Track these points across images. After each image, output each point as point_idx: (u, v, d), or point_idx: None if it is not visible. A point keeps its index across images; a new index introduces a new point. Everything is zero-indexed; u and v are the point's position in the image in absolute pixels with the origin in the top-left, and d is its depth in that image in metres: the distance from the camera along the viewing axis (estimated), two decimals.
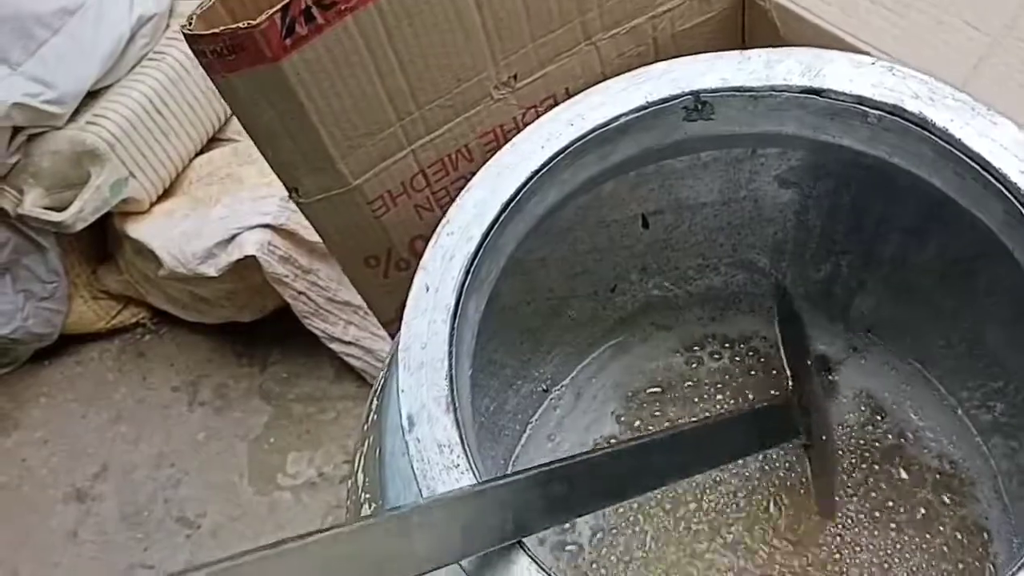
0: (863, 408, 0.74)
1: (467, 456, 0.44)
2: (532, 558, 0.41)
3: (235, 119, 1.33)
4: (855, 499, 0.68)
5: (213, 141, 1.32)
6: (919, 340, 0.75)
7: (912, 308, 0.74)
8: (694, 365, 0.78)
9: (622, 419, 0.77)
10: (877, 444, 0.72)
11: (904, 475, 0.70)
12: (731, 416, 0.70)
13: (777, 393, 0.72)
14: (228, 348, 1.37)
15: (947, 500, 0.67)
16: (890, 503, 0.69)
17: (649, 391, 0.78)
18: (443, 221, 0.51)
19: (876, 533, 0.67)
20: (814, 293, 0.78)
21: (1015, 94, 0.65)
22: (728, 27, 0.83)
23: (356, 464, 0.62)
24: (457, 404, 0.45)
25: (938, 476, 0.70)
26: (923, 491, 0.69)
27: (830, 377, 0.75)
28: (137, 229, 1.23)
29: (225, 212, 1.16)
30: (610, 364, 0.80)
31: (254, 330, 1.35)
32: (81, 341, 1.43)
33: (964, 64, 0.69)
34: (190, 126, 1.26)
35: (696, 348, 0.79)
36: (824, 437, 0.70)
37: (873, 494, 0.69)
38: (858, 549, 0.65)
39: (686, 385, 0.78)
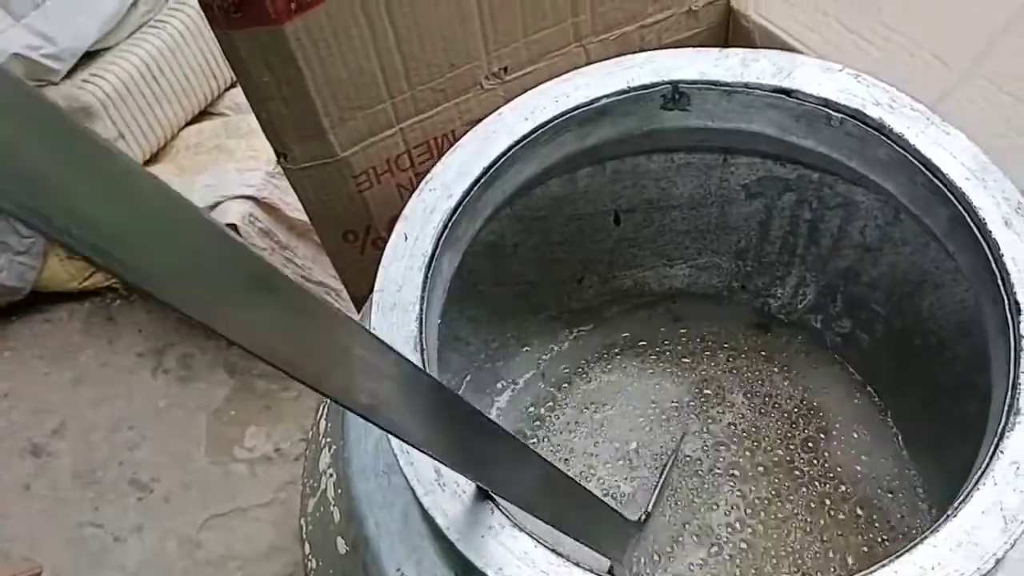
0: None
1: None
2: (500, 510, 0.43)
3: (228, 94, 1.36)
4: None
5: (204, 114, 1.34)
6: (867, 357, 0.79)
7: (862, 325, 0.78)
8: (651, 356, 0.81)
9: (568, 404, 0.79)
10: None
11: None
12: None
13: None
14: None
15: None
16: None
17: (602, 380, 0.80)
18: (427, 177, 0.53)
19: None
20: (766, 301, 0.81)
21: (976, 126, 0.69)
22: (712, 44, 0.86)
23: (319, 414, 0.65)
24: (424, 346, 0.48)
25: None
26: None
27: None
28: None
29: (210, 180, 1.18)
30: (569, 352, 0.82)
31: None
32: (52, 300, 1.43)
33: (930, 95, 0.73)
34: (183, 95, 1.29)
35: (653, 341, 0.82)
36: None
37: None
38: None
39: (637, 379, 0.80)
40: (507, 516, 0.43)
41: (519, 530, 0.43)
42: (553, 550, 0.42)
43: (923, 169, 0.50)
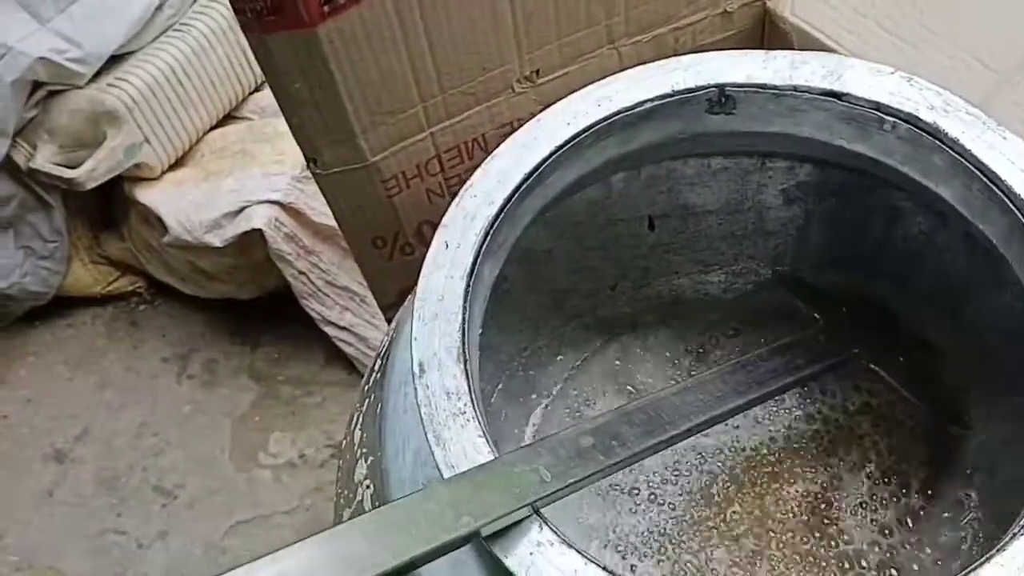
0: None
1: (473, 405, 0.46)
2: (549, 527, 0.42)
3: (252, 98, 1.36)
4: None
5: (229, 118, 1.34)
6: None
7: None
8: (687, 363, 0.80)
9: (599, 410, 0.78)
10: None
11: None
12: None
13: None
14: (221, 325, 1.38)
15: None
16: None
17: (640, 382, 0.79)
18: (467, 185, 0.52)
19: None
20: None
21: (1021, 129, 0.68)
22: (747, 46, 0.85)
23: (353, 423, 0.64)
24: (467, 356, 0.47)
25: None
26: None
27: None
28: (146, 195, 1.24)
29: (236, 185, 1.18)
30: (603, 361, 0.81)
31: (248, 309, 1.36)
32: (75, 304, 1.43)
33: (972, 98, 0.72)
34: (208, 99, 1.28)
35: (690, 348, 0.80)
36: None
37: None
38: None
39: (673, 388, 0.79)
40: (556, 532, 0.42)
41: (568, 547, 0.42)
42: (603, 567, 0.41)
43: (980, 175, 0.49)
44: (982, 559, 0.40)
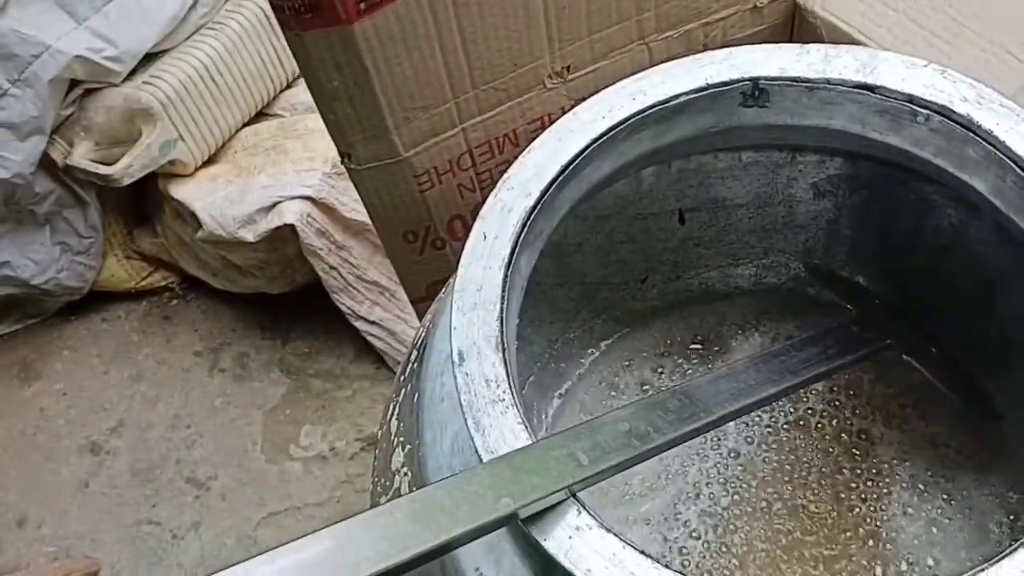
0: None
1: (512, 392, 0.46)
2: (588, 511, 0.43)
3: (283, 95, 1.37)
4: None
5: (260, 115, 1.35)
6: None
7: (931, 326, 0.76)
8: (718, 355, 0.80)
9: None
10: None
11: None
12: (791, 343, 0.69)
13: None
14: (252, 319, 1.40)
15: None
16: None
17: (671, 376, 0.80)
18: (504, 177, 0.53)
19: None
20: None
21: None
22: (777, 41, 0.85)
23: (388, 413, 0.65)
24: (506, 345, 0.48)
25: None
26: None
27: None
28: (180, 191, 1.26)
29: (268, 181, 1.19)
30: (633, 352, 0.82)
31: (279, 304, 1.37)
32: (109, 299, 1.46)
33: (1005, 91, 0.72)
34: (241, 96, 1.30)
35: (720, 340, 0.81)
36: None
37: None
38: None
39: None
40: (594, 517, 0.43)
41: (607, 531, 0.43)
42: (642, 551, 0.42)
43: (1014, 167, 0.49)
44: (1016, 545, 0.40)
